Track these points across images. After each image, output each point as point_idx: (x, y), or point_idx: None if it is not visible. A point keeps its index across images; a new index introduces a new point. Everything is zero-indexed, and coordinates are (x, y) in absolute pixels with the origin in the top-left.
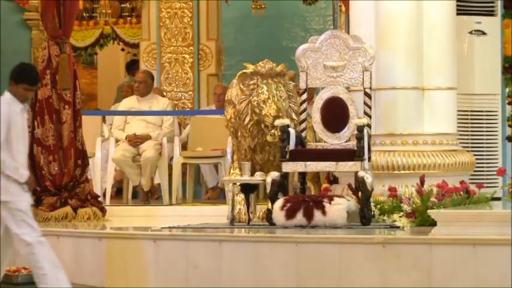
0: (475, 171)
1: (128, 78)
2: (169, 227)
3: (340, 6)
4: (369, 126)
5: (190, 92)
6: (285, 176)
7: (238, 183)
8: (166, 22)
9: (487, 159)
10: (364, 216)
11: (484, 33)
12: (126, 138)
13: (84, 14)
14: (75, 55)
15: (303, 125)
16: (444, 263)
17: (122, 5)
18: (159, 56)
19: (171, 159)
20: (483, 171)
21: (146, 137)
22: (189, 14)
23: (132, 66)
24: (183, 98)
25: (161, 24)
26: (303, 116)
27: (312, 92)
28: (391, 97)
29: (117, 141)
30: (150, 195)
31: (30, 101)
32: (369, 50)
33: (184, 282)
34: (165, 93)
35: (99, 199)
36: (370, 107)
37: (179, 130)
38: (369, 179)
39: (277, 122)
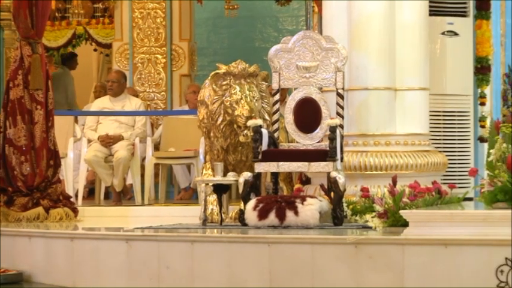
0: (447, 171)
1: (60, 70)
2: (142, 228)
3: (313, 6)
4: (341, 126)
5: (163, 93)
6: (257, 176)
7: (210, 184)
8: (139, 22)
9: (459, 159)
10: (336, 217)
11: (456, 34)
12: (98, 139)
13: (57, 14)
14: (48, 55)
15: (276, 126)
16: (416, 263)
17: (95, 5)
18: (131, 56)
19: (143, 159)
20: (455, 171)
21: (118, 138)
22: (162, 14)
23: (70, 60)
24: (155, 98)
25: (134, 24)
26: (275, 117)
27: (284, 93)
28: (364, 97)
29: (89, 141)
30: (122, 196)
31: (2, 101)
32: (341, 51)
33: (157, 282)
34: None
35: (71, 199)
36: (342, 108)
37: (151, 130)
38: (341, 179)
39: (250, 123)
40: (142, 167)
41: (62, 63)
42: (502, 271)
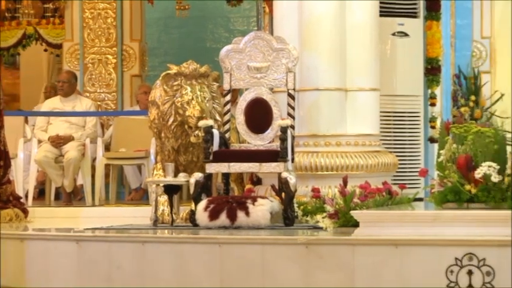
0: (397, 172)
1: None
2: (92, 228)
3: (264, 7)
4: (292, 127)
5: (113, 93)
6: (208, 177)
7: (161, 184)
8: (90, 23)
9: (409, 160)
10: (287, 217)
11: (406, 34)
12: (48, 139)
13: (7, 14)
14: None
15: (227, 126)
16: (367, 264)
17: (45, 5)
18: (82, 57)
19: (94, 160)
20: (405, 172)
21: (69, 138)
22: (113, 14)
23: None
24: (106, 98)
25: (84, 24)
26: (226, 117)
27: (236, 93)
28: (315, 98)
29: (39, 142)
30: (72, 196)
31: None
32: (292, 51)
33: (107, 282)
34: (88, 94)
35: (21, 200)
36: (293, 108)
37: (102, 131)
38: (292, 180)
39: (201, 123)
40: (93, 168)
41: None
42: (452, 271)
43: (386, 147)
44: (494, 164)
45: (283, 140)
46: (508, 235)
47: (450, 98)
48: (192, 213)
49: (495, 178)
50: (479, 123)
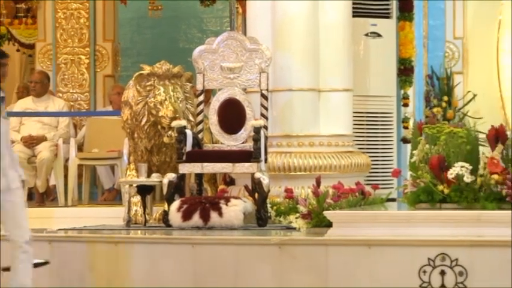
0: (370, 172)
1: None
2: (65, 229)
3: (237, 7)
4: (265, 127)
5: (86, 93)
6: (181, 177)
7: (134, 185)
8: (63, 23)
9: (382, 160)
10: (260, 218)
11: (379, 35)
12: (21, 140)
13: None
14: None
15: (200, 127)
16: (340, 264)
17: (17, 5)
18: (54, 57)
19: (66, 160)
20: (378, 172)
21: (42, 138)
22: (86, 14)
23: None
24: (79, 99)
25: (57, 24)
26: (199, 118)
27: (209, 94)
28: (288, 98)
29: (12, 142)
30: (45, 197)
31: None
32: (265, 52)
33: (80, 283)
34: (61, 94)
35: None
36: (266, 109)
37: (75, 131)
38: (265, 180)
39: (174, 124)
40: (66, 168)
41: None
42: (424, 271)
43: (359, 148)
44: (466, 165)
45: (256, 140)
46: (480, 235)
47: (423, 99)
48: (165, 213)
49: (468, 178)
50: (451, 124)
